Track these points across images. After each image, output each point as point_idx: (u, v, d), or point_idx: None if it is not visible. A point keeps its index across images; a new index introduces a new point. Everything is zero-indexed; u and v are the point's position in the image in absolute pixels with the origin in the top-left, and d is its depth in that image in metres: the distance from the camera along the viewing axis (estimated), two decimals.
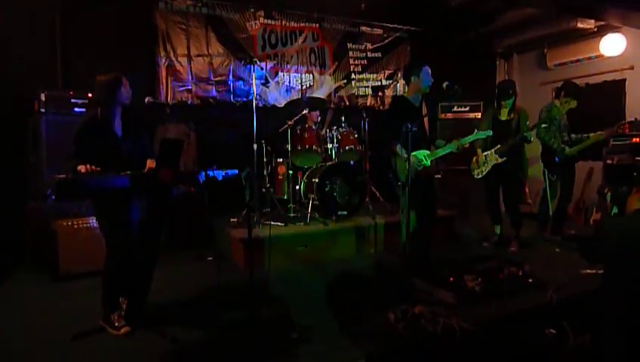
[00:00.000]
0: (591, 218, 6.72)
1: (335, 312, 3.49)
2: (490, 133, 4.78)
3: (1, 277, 4.39)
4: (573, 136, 5.48)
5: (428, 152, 4.41)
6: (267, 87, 6.68)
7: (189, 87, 6.13)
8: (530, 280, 3.88)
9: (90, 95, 4.79)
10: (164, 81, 5.98)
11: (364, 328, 3.19)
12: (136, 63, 5.68)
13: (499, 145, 5.09)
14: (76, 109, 4.75)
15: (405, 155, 4.16)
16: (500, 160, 5.10)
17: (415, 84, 4.44)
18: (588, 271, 4.23)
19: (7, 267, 4.56)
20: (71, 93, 4.84)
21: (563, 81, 5.92)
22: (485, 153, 5.20)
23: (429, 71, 4.40)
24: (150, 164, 3.19)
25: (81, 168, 2.87)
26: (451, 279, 3.81)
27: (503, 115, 5.24)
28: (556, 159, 5.43)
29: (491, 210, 5.46)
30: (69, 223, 4.33)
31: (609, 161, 6.38)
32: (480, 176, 5.29)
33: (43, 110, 4.67)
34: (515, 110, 5.21)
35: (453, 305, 3.44)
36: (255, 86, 5.37)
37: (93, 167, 2.89)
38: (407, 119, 4.09)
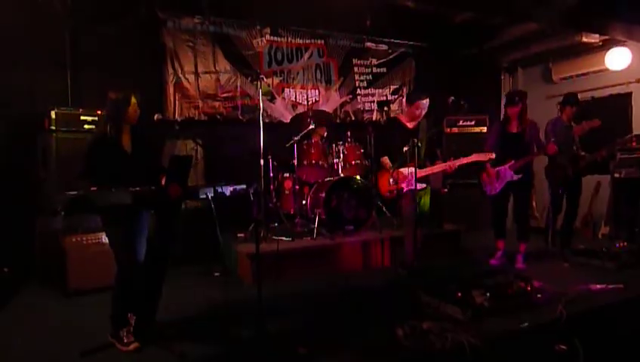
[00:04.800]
0: (599, 232, 6.69)
1: (342, 327, 3.48)
2: (494, 155, 4.78)
3: (11, 292, 4.41)
4: (583, 153, 5.46)
5: (412, 170, 4.46)
6: (273, 102, 6.75)
7: (197, 104, 6.20)
8: (539, 296, 3.85)
9: (99, 112, 4.86)
10: (172, 98, 6.05)
11: (372, 344, 3.17)
12: (145, 81, 5.76)
13: (513, 162, 4.98)
14: (86, 126, 4.81)
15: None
16: (515, 177, 4.99)
17: (408, 110, 4.56)
18: (597, 285, 4.20)
19: (16, 282, 4.58)
20: (81, 110, 4.90)
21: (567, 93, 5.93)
22: (498, 169, 5.08)
23: (424, 106, 4.46)
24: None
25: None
26: (459, 294, 3.78)
27: (512, 128, 5.12)
28: (560, 174, 5.40)
29: (497, 225, 5.36)
30: (79, 239, 4.36)
31: (617, 175, 6.37)
32: (494, 193, 5.14)
33: (53, 127, 4.72)
34: (524, 122, 5.08)
35: (462, 320, 3.42)
36: (261, 102, 5.43)
37: None
38: (399, 140, 4.19)
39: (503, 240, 5.34)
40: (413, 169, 4.44)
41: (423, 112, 4.58)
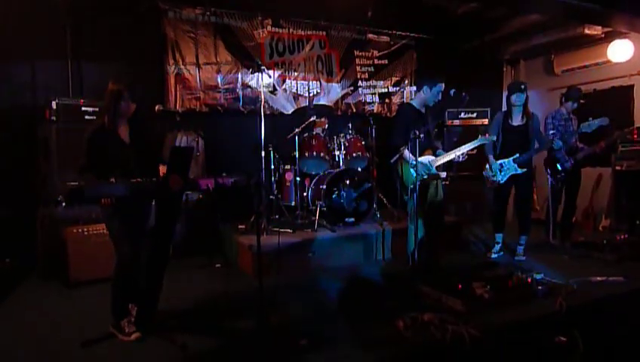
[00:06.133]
0: (600, 225, 6.70)
1: (343, 319, 3.49)
2: (494, 138, 4.79)
3: (13, 283, 4.42)
4: (581, 145, 5.46)
5: (433, 158, 4.46)
6: (275, 94, 6.72)
7: (198, 95, 6.18)
8: (540, 288, 3.86)
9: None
10: (173, 89, 6.02)
11: (373, 335, 3.19)
12: (146, 72, 5.75)
13: (517, 155, 4.96)
14: (87, 117, 4.80)
15: (412, 161, 4.21)
16: (519, 170, 4.98)
17: (424, 94, 4.52)
18: (598, 278, 4.21)
19: (18, 273, 4.60)
20: (81, 101, 4.89)
21: (570, 86, 5.92)
22: (502, 161, 5.04)
23: (442, 89, 4.44)
24: (163, 170, 3.22)
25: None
26: (460, 286, 3.80)
27: (516, 120, 5.09)
28: (559, 166, 5.40)
29: (497, 218, 5.35)
30: (80, 230, 4.37)
31: (618, 168, 6.36)
32: (497, 185, 5.08)
33: (54, 118, 4.71)
34: (527, 114, 5.06)
35: (462, 312, 3.44)
36: (263, 93, 5.41)
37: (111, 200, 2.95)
38: (414, 126, 4.16)
39: (501, 233, 5.34)
40: (431, 157, 4.44)
41: (440, 97, 4.56)
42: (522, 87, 5.03)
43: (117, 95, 3.18)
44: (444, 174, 4.52)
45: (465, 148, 4.50)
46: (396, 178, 4.56)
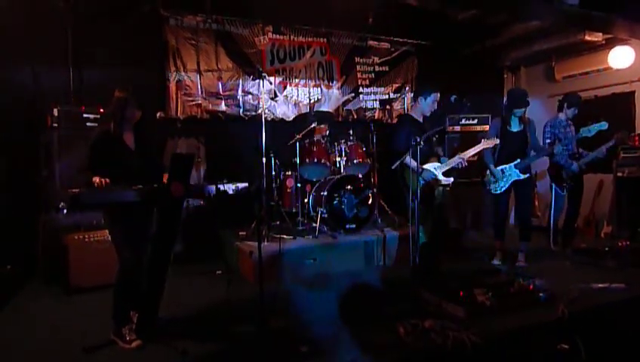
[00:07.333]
0: (601, 231, 6.68)
1: (344, 325, 3.48)
2: (497, 141, 4.79)
3: (13, 289, 4.42)
4: (581, 150, 5.46)
5: (438, 164, 4.47)
6: (275, 101, 6.73)
7: (199, 102, 6.20)
8: (541, 294, 3.85)
9: (101, 110, 4.87)
10: (174, 96, 6.05)
11: (374, 341, 3.17)
12: (148, 78, 5.77)
13: (519, 160, 4.97)
14: (88, 124, 4.82)
15: (414, 166, 4.23)
16: (522, 176, 4.98)
17: (420, 104, 4.56)
18: (599, 285, 4.20)
19: (19, 280, 4.59)
20: (83, 108, 4.91)
21: (567, 93, 5.91)
22: (503, 167, 5.03)
23: (437, 98, 4.47)
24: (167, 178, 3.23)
25: (95, 179, 2.96)
26: (461, 293, 3.78)
27: (514, 126, 5.10)
28: (564, 174, 5.39)
29: (498, 225, 5.31)
30: (81, 237, 4.37)
31: (620, 174, 6.35)
32: (498, 191, 5.08)
33: (55, 125, 4.74)
34: (523, 120, 5.08)
35: (463, 318, 3.42)
36: (264, 100, 5.42)
37: (106, 180, 2.96)
38: (414, 134, 4.18)
39: (502, 240, 5.32)
40: (437, 164, 4.46)
41: (436, 105, 4.61)
42: (527, 100, 5.03)
43: (123, 102, 3.24)
44: (450, 180, 4.52)
45: (469, 153, 4.54)
46: (401, 183, 4.56)
